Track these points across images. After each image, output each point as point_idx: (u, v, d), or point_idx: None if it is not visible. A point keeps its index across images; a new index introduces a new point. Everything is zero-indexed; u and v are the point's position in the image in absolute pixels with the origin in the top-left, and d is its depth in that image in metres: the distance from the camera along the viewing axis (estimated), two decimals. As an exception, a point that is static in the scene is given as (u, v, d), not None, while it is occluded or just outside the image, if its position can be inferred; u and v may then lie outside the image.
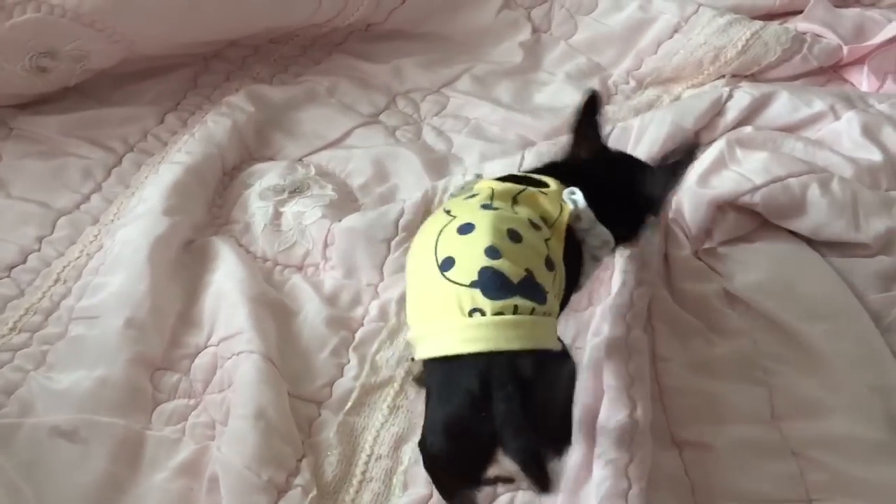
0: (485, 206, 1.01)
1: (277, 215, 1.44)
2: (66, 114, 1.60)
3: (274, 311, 1.30)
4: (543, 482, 0.88)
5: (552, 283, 0.99)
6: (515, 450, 0.88)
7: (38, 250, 1.39)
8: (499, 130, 1.65)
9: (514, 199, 1.04)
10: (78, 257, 1.37)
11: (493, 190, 1.05)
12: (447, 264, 0.94)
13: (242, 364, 1.20)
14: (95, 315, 1.26)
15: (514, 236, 0.97)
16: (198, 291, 1.32)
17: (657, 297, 1.34)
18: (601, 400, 1.19)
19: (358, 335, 1.30)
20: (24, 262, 1.37)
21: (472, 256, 0.94)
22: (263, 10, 1.65)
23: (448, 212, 1.02)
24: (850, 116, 1.56)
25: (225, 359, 1.23)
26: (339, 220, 1.40)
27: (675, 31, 1.76)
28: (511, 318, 0.91)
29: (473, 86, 1.75)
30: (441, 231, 0.98)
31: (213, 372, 1.23)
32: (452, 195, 1.13)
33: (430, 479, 1.00)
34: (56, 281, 1.34)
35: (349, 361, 1.27)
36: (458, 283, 0.93)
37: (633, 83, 1.75)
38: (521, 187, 1.06)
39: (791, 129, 1.57)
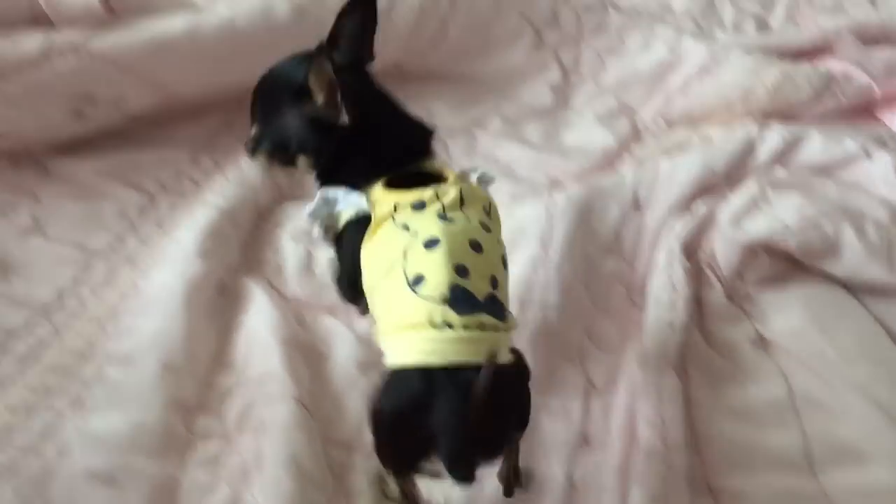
0: (442, 218, 1.03)
1: (310, 257, 1.45)
2: (102, 156, 1.63)
3: (306, 353, 1.30)
4: (467, 479, 0.96)
5: (507, 279, 1.08)
6: (448, 457, 0.94)
7: (75, 291, 1.41)
8: (528, 170, 1.66)
9: (462, 202, 1.07)
10: (113, 299, 1.39)
11: (439, 199, 1.06)
12: (418, 281, 0.99)
13: (275, 407, 1.20)
14: (131, 357, 1.27)
15: (476, 247, 1.03)
16: (230, 333, 1.33)
17: (690, 340, 1.33)
18: (635, 445, 1.18)
19: (389, 377, 1.30)
20: (61, 303, 1.39)
21: (442, 273, 0.98)
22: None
23: (406, 227, 1.03)
24: (883, 157, 1.55)
25: (258, 402, 1.23)
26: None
27: (704, 71, 1.76)
28: (476, 334, 0.96)
29: (503, 126, 1.77)
30: (407, 248, 1.01)
31: (246, 415, 1.23)
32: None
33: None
34: (92, 322, 1.36)
35: (380, 404, 1.26)
36: (429, 300, 0.97)
37: (662, 123, 1.75)
38: (460, 188, 1.08)
39: (823, 170, 1.57)
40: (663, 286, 1.38)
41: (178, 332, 1.27)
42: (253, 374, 1.26)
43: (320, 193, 1.12)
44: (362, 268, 1.07)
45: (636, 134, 1.74)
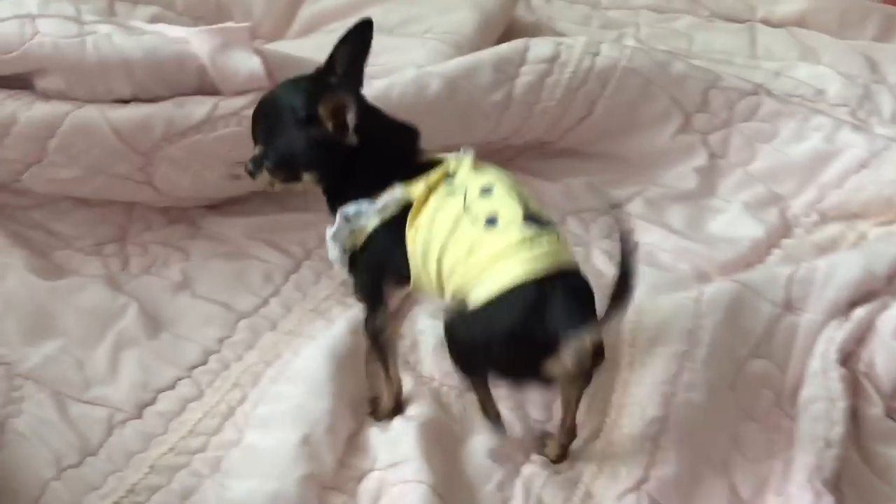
0: (478, 171, 1.19)
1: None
2: (249, 216, 1.68)
3: (441, 436, 1.28)
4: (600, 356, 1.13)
5: None
6: (575, 339, 1.06)
7: (219, 352, 1.44)
8: (671, 258, 1.61)
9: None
10: (255, 363, 1.41)
11: (460, 167, 1.21)
12: (492, 220, 1.13)
13: (409, 494, 1.18)
14: (271, 425, 1.28)
15: (515, 185, 1.19)
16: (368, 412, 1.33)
17: (846, 458, 1.25)
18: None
19: (525, 469, 1.27)
20: (205, 362, 1.42)
21: (513, 205, 1.14)
22: (443, 128, 1.68)
23: (452, 191, 1.17)
24: None
25: (391, 485, 1.21)
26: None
27: (863, 165, 1.68)
28: (560, 244, 1.14)
29: (645, 209, 1.73)
30: (465, 206, 1.15)
31: (378, 498, 1.22)
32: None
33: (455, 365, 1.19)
34: (234, 385, 1.38)
35: (514, 497, 1.23)
36: (510, 230, 1.11)
37: (815, 217, 1.68)
38: (467, 158, 1.22)
39: None
40: (817, 396, 1.30)
41: (323, 409, 1.27)
42: (388, 456, 1.25)
43: (340, 214, 1.21)
44: (415, 249, 1.17)
45: (786, 226, 1.67)
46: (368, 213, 1.19)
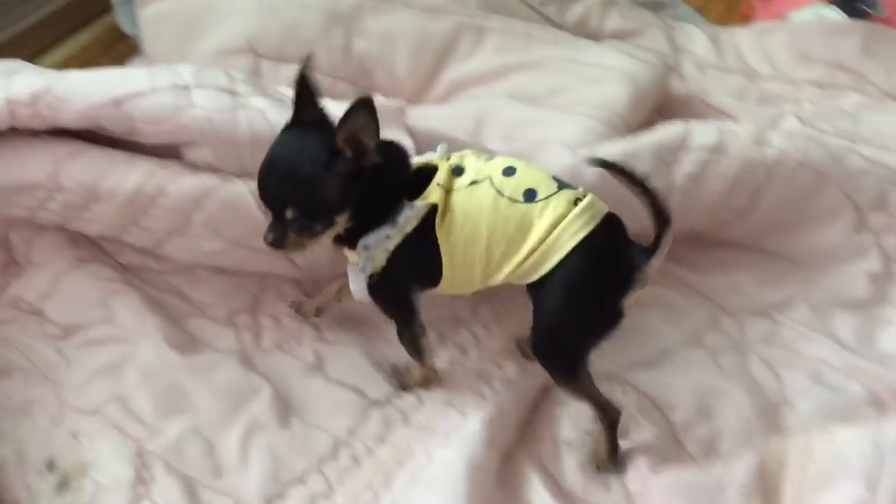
0: (487, 160, 1.26)
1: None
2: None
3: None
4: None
5: None
6: (647, 268, 1.22)
7: (350, 444, 1.37)
8: (840, 377, 1.47)
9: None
10: (387, 460, 1.34)
11: (464, 161, 1.28)
12: (531, 195, 1.22)
13: None
14: (406, 540, 1.21)
15: (523, 160, 1.27)
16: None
17: None
18: None
19: None
20: (336, 456, 1.36)
21: (540, 177, 1.24)
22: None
23: (474, 182, 1.23)
24: None
25: None
26: (659, 470, 1.29)
27: None
28: (591, 194, 1.25)
29: (809, 315, 1.59)
30: (496, 190, 1.22)
31: None
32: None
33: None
34: (366, 486, 1.31)
35: None
36: (551, 196, 1.22)
37: None
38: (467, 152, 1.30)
39: None
40: None
41: (459, 525, 1.19)
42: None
43: (361, 248, 1.25)
44: (452, 246, 1.23)
45: (973, 349, 1.51)
46: (391, 235, 1.23)
